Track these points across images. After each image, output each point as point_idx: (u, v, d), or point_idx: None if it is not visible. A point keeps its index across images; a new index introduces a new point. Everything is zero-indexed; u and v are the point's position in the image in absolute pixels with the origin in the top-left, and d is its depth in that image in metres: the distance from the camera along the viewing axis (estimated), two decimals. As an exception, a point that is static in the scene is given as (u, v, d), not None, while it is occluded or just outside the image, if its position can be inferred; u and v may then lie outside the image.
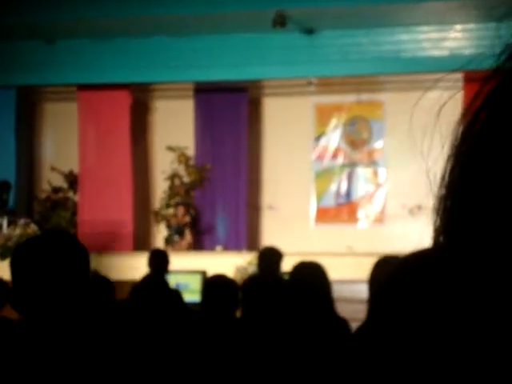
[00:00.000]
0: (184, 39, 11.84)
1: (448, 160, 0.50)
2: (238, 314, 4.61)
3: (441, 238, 0.50)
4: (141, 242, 13.05)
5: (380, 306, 0.72)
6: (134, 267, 9.59)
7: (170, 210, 12.83)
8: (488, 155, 0.46)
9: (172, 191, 12.94)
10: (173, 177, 12.97)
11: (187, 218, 12.54)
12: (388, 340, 0.69)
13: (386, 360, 0.72)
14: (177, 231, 12.46)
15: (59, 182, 13.50)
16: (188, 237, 12.52)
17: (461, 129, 0.49)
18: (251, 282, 6.39)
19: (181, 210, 12.54)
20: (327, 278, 4.44)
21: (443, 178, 0.50)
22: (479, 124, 0.48)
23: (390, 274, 0.78)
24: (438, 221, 0.50)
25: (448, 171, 0.49)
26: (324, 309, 4.30)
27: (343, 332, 4.24)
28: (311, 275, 4.39)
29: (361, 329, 2.79)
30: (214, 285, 4.27)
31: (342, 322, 4.36)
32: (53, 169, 13.31)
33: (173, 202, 12.85)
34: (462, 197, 0.47)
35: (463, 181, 0.48)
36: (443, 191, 0.50)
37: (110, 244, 12.39)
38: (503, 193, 0.45)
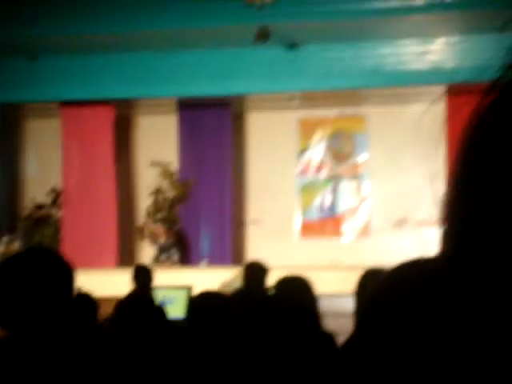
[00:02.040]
0: (167, 54, 11.84)
1: (455, 167, 0.49)
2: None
3: (449, 245, 0.49)
4: (125, 257, 13.00)
5: (370, 319, 0.71)
6: (118, 283, 9.54)
7: (150, 227, 12.80)
8: (494, 162, 0.45)
9: (156, 206, 12.90)
10: (157, 192, 12.94)
11: (171, 239, 12.49)
12: (378, 354, 0.68)
13: (374, 375, 0.71)
14: (164, 250, 12.42)
15: (42, 198, 13.45)
16: (175, 256, 12.48)
17: (466, 137, 0.49)
18: (237, 297, 6.38)
19: (160, 229, 12.50)
20: (313, 293, 4.42)
21: (450, 185, 0.49)
22: (484, 131, 0.48)
23: (380, 285, 0.77)
24: (448, 227, 0.49)
25: (455, 179, 0.49)
26: (310, 323, 4.28)
27: (329, 347, 4.23)
28: (297, 290, 4.37)
29: (348, 343, 2.78)
30: (201, 305, 4.24)
31: (328, 337, 4.35)
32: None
33: (157, 217, 12.81)
34: (472, 204, 0.47)
35: (471, 188, 0.47)
36: (451, 199, 0.49)
37: (93, 260, 12.34)
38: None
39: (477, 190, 0.46)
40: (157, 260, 12.34)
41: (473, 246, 0.46)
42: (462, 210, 0.48)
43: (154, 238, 12.56)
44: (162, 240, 12.44)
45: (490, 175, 0.46)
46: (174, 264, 12.32)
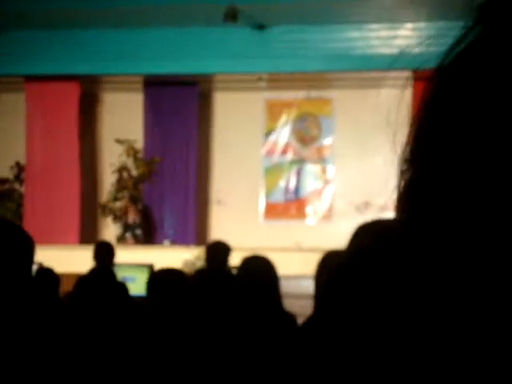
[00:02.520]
0: (134, 31, 11.76)
1: (410, 128, 0.50)
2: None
3: (403, 210, 0.50)
4: (88, 234, 12.95)
5: (333, 291, 0.72)
6: (80, 260, 9.51)
7: (117, 204, 12.75)
8: (442, 124, 0.47)
9: (120, 184, 12.85)
10: (121, 170, 12.89)
11: (138, 218, 12.45)
12: (341, 328, 0.69)
13: (338, 350, 0.72)
14: (128, 229, 12.37)
15: (5, 173, 13.35)
16: (140, 235, 12.43)
17: (422, 98, 0.50)
18: (199, 276, 6.39)
19: (131, 208, 12.45)
20: (275, 273, 4.44)
21: (405, 147, 0.50)
22: (435, 96, 0.49)
23: (346, 258, 0.78)
24: (401, 189, 0.50)
25: (409, 141, 0.50)
26: (271, 303, 4.30)
27: (291, 326, 4.25)
28: (259, 269, 4.39)
29: (309, 320, 2.80)
30: (159, 281, 4.24)
31: (290, 317, 4.37)
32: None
33: (120, 195, 12.77)
34: (424, 165, 0.48)
35: (423, 148, 0.48)
36: (405, 161, 0.50)
37: (56, 236, 12.28)
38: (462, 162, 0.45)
39: (423, 160, 0.47)
40: (121, 238, 12.30)
41: (422, 210, 0.47)
42: (411, 174, 0.49)
43: (123, 215, 12.50)
44: (131, 218, 12.39)
45: (434, 149, 0.47)
46: (137, 242, 12.29)
